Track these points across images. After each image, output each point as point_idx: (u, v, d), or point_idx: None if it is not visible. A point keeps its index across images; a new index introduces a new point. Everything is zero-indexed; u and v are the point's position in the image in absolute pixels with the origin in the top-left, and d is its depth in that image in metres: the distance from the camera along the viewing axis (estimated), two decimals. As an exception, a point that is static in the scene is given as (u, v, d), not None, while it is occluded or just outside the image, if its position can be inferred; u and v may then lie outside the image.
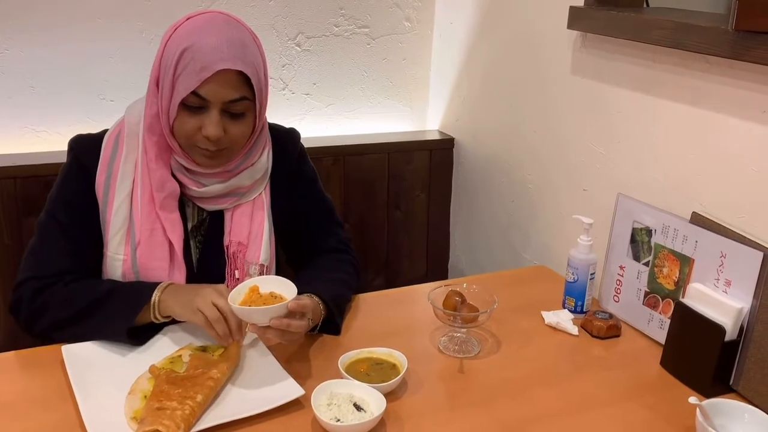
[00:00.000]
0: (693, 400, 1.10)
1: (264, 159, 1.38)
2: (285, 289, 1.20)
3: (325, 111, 2.19)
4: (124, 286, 1.27)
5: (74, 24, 1.84)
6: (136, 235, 1.29)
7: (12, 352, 1.25)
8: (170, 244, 1.30)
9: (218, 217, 1.37)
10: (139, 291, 1.24)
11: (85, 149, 1.31)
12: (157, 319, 1.23)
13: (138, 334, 1.24)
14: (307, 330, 1.23)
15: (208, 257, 1.36)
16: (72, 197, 1.30)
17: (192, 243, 1.36)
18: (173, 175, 1.30)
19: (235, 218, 1.36)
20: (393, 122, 2.30)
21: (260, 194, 1.39)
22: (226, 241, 1.36)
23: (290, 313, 1.16)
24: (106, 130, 1.34)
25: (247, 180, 1.35)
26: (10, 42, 1.79)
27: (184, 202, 1.34)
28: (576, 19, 1.58)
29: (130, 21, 1.88)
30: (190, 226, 1.36)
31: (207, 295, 1.17)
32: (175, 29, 1.24)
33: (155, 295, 1.22)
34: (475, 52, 2.07)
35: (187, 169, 1.30)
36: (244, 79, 1.23)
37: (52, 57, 1.84)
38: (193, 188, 1.31)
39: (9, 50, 1.79)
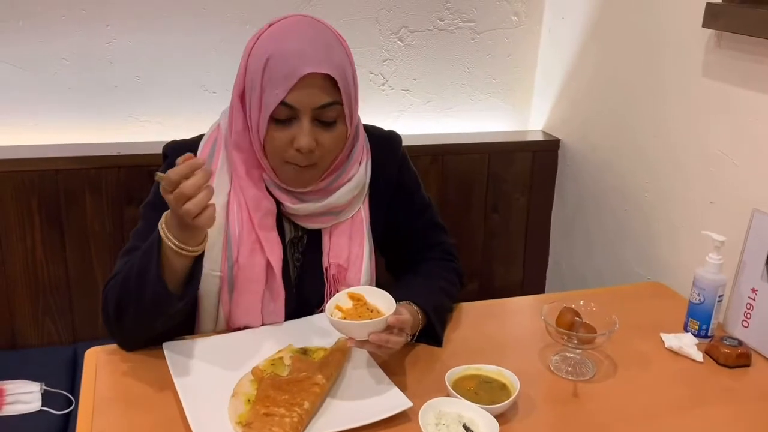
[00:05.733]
0: None
1: (362, 172, 1.30)
2: (383, 302, 1.15)
3: (423, 108, 2.12)
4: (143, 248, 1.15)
5: (179, 15, 1.83)
6: (233, 252, 1.24)
7: (114, 345, 1.24)
8: (268, 263, 1.24)
9: (316, 234, 1.31)
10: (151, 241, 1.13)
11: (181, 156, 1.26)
12: (185, 249, 1.09)
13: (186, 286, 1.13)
14: (404, 344, 1.17)
15: (306, 278, 1.31)
16: (165, 205, 1.23)
17: (290, 261, 1.31)
18: (269, 191, 1.25)
19: (333, 239, 1.30)
20: (493, 121, 2.21)
21: (359, 210, 1.33)
22: (325, 263, 1.30)
23: (388, 328, 1.11)
24: (201, 135, 1.30)
25: (344, 198, 1.28)
26: (118, 33, 1.81)
27: (280, 217, 1.29)
28: (713, 17, 1.45)
29: (234, 13, 1.87)
30: (287, 240, 1.30)
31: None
32: (258, 38, 1.19)
33: (161, 230, 1.10)
34: (588, 50, 1.95)
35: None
36: (332, 82, 1.15)
37: (157, 47, 1.84)
38: (288, 204, 1.25)
39: (116, 40, 1.81)
